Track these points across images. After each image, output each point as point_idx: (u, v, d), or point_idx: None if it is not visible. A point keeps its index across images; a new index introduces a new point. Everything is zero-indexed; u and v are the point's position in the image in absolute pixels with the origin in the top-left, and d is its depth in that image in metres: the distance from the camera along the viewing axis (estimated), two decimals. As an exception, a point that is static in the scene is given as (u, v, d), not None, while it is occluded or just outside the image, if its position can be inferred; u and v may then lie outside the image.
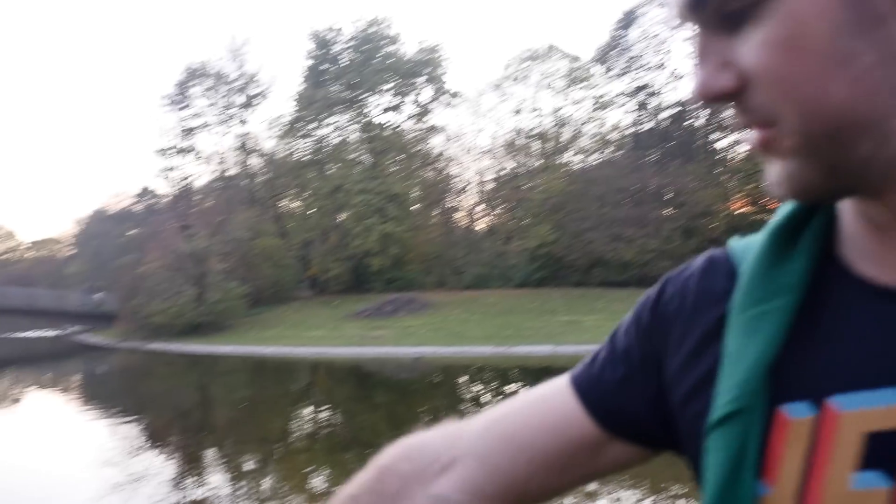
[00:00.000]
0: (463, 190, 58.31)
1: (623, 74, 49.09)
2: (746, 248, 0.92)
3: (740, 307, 0.86)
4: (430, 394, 25.87)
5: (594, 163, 49.85)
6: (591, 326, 34.61)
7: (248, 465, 15.42)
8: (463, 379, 28.95)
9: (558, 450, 1.01)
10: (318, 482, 13.84)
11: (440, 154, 56.73)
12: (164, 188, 63.79)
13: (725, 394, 0.83)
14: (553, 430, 1.01)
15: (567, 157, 52.60)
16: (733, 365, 0.84)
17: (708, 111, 43.56)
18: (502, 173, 54.42)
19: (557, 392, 1.06)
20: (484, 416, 1.11)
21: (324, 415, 22.99)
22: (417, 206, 54.95)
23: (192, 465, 15.56)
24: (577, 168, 50.84)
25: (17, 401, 29.32)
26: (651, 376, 0.98)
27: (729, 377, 0.84)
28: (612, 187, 42.67)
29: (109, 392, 30.59)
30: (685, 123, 46.54)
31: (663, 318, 0.99)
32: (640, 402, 0.98)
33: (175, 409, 24.46)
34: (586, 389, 1.03)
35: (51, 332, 60.08)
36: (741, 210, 43.03)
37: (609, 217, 41.83)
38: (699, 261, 1.00)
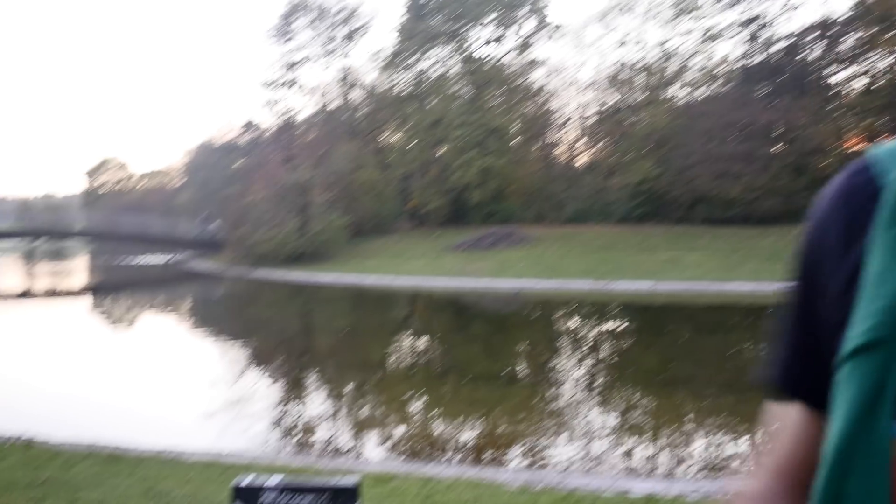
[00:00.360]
0: (564, 124, 57.52)
1: (734, 4, 47.17)
2: (893, 156, 0.81)
3: (887, 223, 0.76)
4: (527, 327, 26.01)
5: (701, 97, 48.35)
6: (693, 264, 34.04)
7: (348, 390, 15.88)
8: (560, 313, 28.97)
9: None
10: (414, 408, 14.17)
11: (541, 88, 55.94)
12: (269, 121, 64.91)
13: (864, 321, 0.73)
14: (806, 444, 0.90)
15: (672, 91, 51.13)
16: (875, 289, 0.73)
17: (823, 44, 41.64)
18: (605, 107, 53.38)
19: (780, 408, 0.96)
20: (762, 473, 1.02)
21: (421, 344, 23.42)
22: (517, 140, 54.51)
23: (294, 388, 16.13)
24: (682, 102, 49.42)
25: (132, 323, 30.80)
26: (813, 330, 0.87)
27: (870, 302, 0.74)
28: (719, 122, 41.39)
29: (216, 316, 31.81)
30: (798, 57, 44.55)
31: (811, 265, 0.87)
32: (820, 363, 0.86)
33: (278, 334, 25.27)
34: (784, 380, 0.94)
35: (161, 259, 62.51)
36: (856, 148, 41.24)
37: (715, 153, 40.67)
38: (836, 186, 0.87)
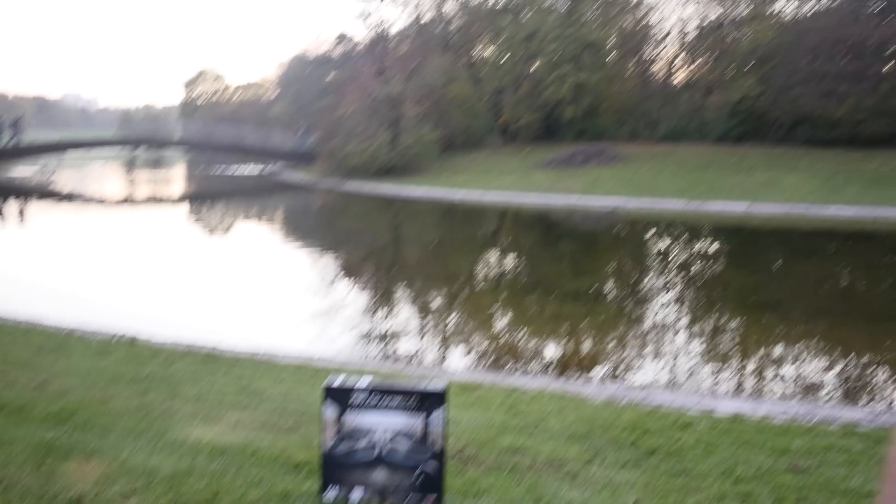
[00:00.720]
0: (662, 40, 55.68)
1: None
2: None
3: None
4: (617, 245, 25.78)
5: (809, 12, 46.06)
6: (791, 186, 32.99)
7: (436, 302, 16.10)
8: (650, 233, 28.59)
9: None
10: (500, 322, 14.31)
11: (640, 1, 54.12)
12: (362, 33, 64.67)
13: None
14: None
15: (779, 5, 48.85)
16: None
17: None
18: (706, 22, 51.39)
19: None
20: None
21: (509, 259, 23.49)
22: (613, 55, 53.13)
23: (383, 299, 16.44)
24: (789, 18, 47.22)
25: (227, 230, 31.69)
26: None
27: None
28: (828, 39, 39.42)
29: (309, 227, 32.44)
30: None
31: None
32: None
33: (368, 245, 25.67)
34: None
35: (255, 170, 63.71)
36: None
37: (821, 71, 38.89)
38: None
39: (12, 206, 36.12)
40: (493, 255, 24.06)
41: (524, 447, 5.98)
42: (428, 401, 4.56)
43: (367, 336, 12.90)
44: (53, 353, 8.75)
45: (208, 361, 8.75)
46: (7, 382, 7.16)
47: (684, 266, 21.49)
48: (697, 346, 12.52)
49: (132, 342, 9.60)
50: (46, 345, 9.25)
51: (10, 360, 8.22)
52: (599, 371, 10.49)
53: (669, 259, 22.78)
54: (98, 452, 5.40)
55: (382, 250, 24.90)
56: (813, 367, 11.18)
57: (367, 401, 4.59)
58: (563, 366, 10.66)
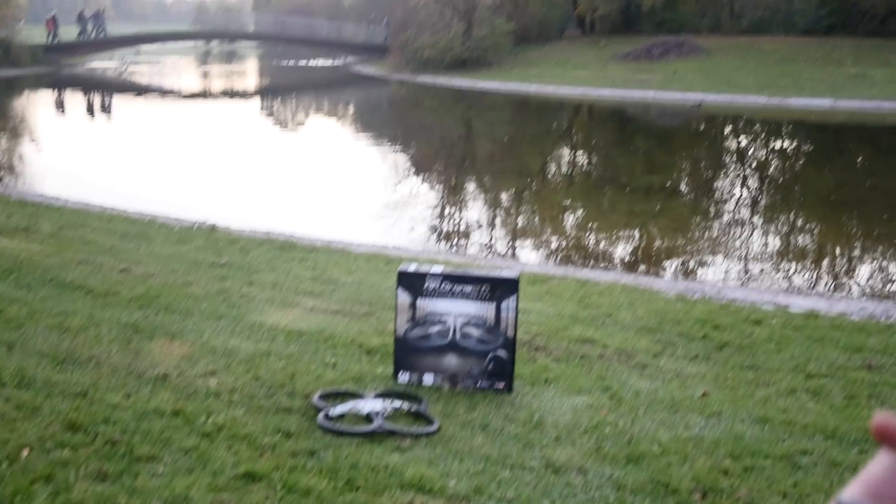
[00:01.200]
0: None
1: None
2: None
3: None
4: (692, 141, 25.20)
5: None
6: (881, 81, 31.51)
7: (507, 196, 16.06)
8: (728, 128, 27.84)
9: None
10: (572, 216, 14.24)
11: None
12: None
13: None
14: None
15: None
16: None
17: None
18: None
19: None
20: None
21: (582, 154, 23.19)
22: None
23: (455, 192, 16.45)
24: None
25: (301, 123, 31.88)
26: None
27: None
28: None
29: (381, 120, 32.40)
30: None
31: None
32: None
33: (441, 139, 25.58)
34: None
35: (328, 62, 63.43)
36: None
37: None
38: None
39: (93, 98, 36.82)
40: (566, 150, 23.77)
41: (594, 338, 6.03)
42: (500, 288, 4.61)
43: (439, 229, 12.99)
44: (136, 240, 9.04)
45: (285, 249, 8.94)
46: (93, 267, 7.44)
47: (763, 163, 20.95)
48: (773, 243, 12.31)
49: (212, 230, 9.83)
50: (129, 232, 9.55)
51: (95, 246, 8.52)
52: (672, 266, 10.41)
53: (747, 155, 22.21)
54: (180, 334, 5.62)
55: (454, 144, 24.80)
56: (893, 266, 10.91)
57: (440, 287, 4.66)
58: (635, 260, 10.60)
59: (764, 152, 22.79)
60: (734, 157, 21.89)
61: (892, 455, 0.61)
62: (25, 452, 3.66)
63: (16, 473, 3.47)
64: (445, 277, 4.65)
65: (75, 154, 19.97)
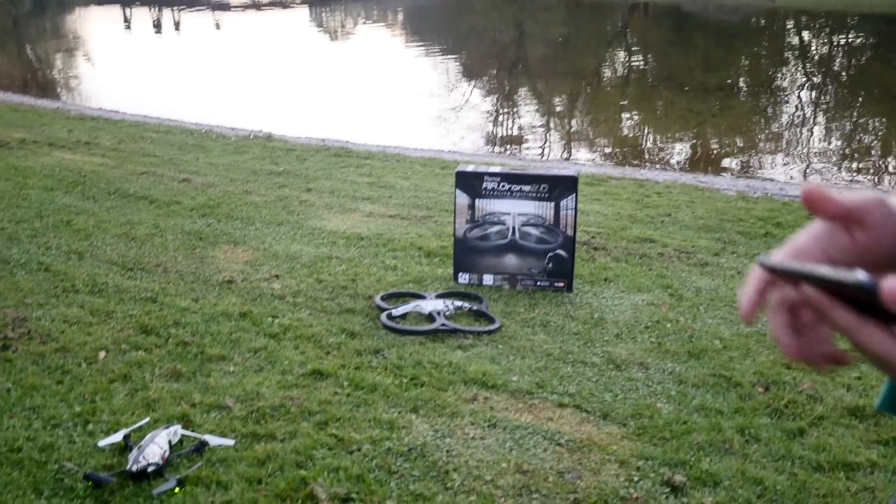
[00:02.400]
0: None
1: None
2: None
3: None
4: (753, 39, 24.38)
5: None
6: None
7: (562, 99, 15.81)
8: (790, 24, 26.85)
9: None
10: (629, 117, 13.98)
11: None
12: None
13: None
14: None
15: None
16: None
17: None
18: None
19: None
20: None
21: (637, 54, 22.63)
22: None
23: (508, 97, 16.24)
24: None
25: (350, 33, 31.54)
26: None
27: None
28: None
29: (431, 25, 31.88)
30: None
31: None
32: None
33: (492, 43, 25.12)
34: None
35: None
36: None
37: None
38: None
39: (144, 12, 36.79)
40: (621, 51, 23.21)
41: (653, 238, 5.98)
42: (559, 187, 4.58)
43: (494, 133, 12.88)
44: (194, 151, 9.13)
45: (340, 157, 8.96)
46: (155, 178, 7.56)
47: (828, 60, 20.24)
48: (837, 139, 11.98)
49: (268, 139, 9.88)
50: (187, 143, 9.64)
51: (155, 158, 8.63)
52: (732, 165, 10.22)
53: (811, 52, 21.46)
54: (243, 240, 5.72)
55: (507, 47, 24.36)
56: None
57: (499, 187, 4.65)
58: (694, 160, 10.43)
59: (829, 49, 21.99)
60: (797, 55, 21.17)
61: (819, 223, 0.65)
62: (102, 354, 3.80)
63: (95, 374, 3.61)
64: (504, 177, 4.62)
65: (130, 68, 20.09)
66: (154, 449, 2.84)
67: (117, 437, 3.03)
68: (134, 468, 2.76)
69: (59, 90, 17.36)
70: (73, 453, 2.97)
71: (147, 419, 3.22)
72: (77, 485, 2.77)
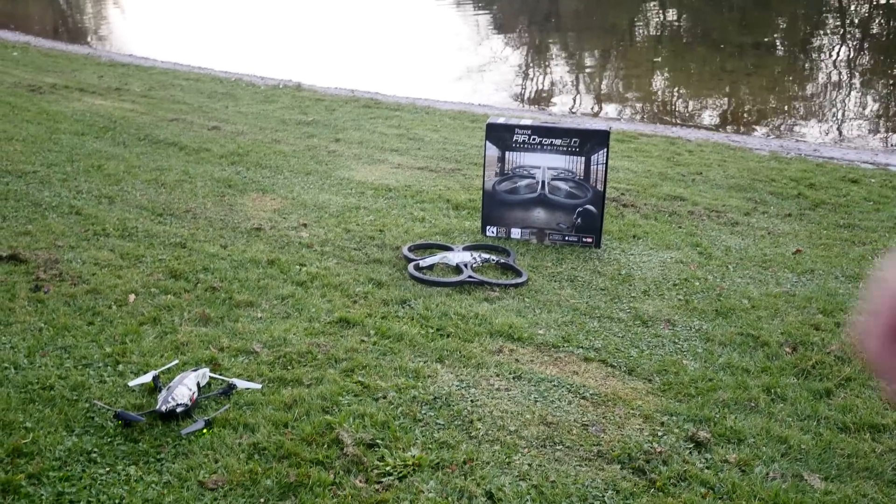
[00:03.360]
0: None
1: None
2: None
3: None
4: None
5: None
6: None
7: (594, 55, 15.60)
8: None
9: None
10: (661, 75, 13.79)
11: None
12: None
13: None
14: None
15: None
16: None
17: None
18: None
19: None
20: None
21: (672, 10, 22.23)
22: None
23: (538, 52, 16.05)
24: None
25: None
26: None
27: None
28: None
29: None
30: None
31: None
32: None
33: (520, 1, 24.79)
34: None
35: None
36: None
37: None
38: None
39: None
40: (656, 6, 22.81)
41: (684, 196, 5.93)
42: (591, 141, 4.53)
43: (525, 88, 12.75)
44: (224, 99, 9.13)
45: (370, 108, 8.92)
46: (185, 125, 7.57)
47: (865, 21, 19.79)
48: (874, 101, 11.75)
49: (297, 89, 9.86)
50: (217, 91, 9.64)
51: (185, 105, 8.64)
52: (765, 124, 10.07)
53: (850, 12, 20.99)
54: (271, 189, 5.73)
55: (539, 2, 24.02)
56: None
57: (529, 140, 4.61)
58: (727, 119, 10.28)
59: (866, 10, 21.49)
60: (836, 14, 20.72)
61: None
62: (132, 297, 3.84)
63: (125, 316, 3.65)
64: (534, 130, 4.58)
65: (161, 16, 20.05)
66: (183, 390, 2.88)
67: (147, 378, 3.07)
68: (163, 408, 2.80)
69: (89, 36, 17.36)
70: (104, 392, 3.02)
71: (176, 361, 3.26)
72: (107, 423, 2.81)
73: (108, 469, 2.59)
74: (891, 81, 12.89)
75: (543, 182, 4.69)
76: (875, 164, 7.32)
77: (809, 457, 2.83)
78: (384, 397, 3.08)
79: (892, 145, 9.12)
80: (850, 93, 12.23)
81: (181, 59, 12.25)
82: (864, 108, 11.20)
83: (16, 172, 5.73)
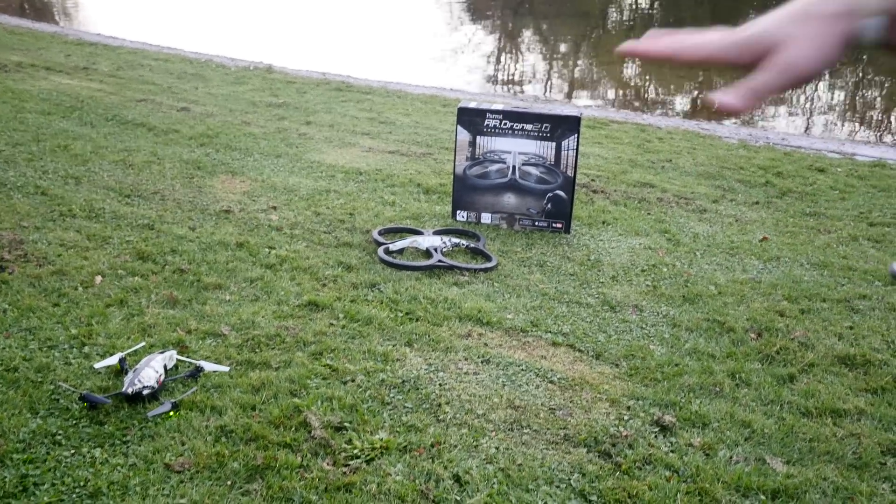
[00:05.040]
0: None
1: None
2: None
3: None
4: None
5: None
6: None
7: (566, 41, 15.63)
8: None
9: None
10: (632, 63, 13.83)
11: None
12: None
13: None
14: None
15: None
16: None
17: None
18: None
19: None
20: None
21: (644, 1, 22.32)
22: None
23: (511, 37, 16.04)
24: None
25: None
26: None
27: None
28: None
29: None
30: None
31: None
32: None
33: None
34: None
35: None
36: None
37: None
38: None
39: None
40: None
41: (653, 182, 5.97)
42: (562, 126, 4.54)
43: (497, 74, 12.74)
44: (193, 80, 9.04)
45: (341, 91, 8.88)
46: (153, 106, 7.49)
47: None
48: (842, 94, 11.88)
49: (268, 70, 9.78)
50: (186, 72, 9.54)
51: (154, 86, 8.55)
52: (735, 114, 10.15)
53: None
54: (241, 171, 5.69)
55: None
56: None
57: (500, 125, 4.61)
58: (697, 107, 10.35)
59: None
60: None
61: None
62: (99, 279, 3.80)
63: (91, 298, 3.62)
64: (506, 115, 4.58)
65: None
66: (149, 373, 2.86)
67: (113, 361, 3.05)
68: (129, 391, 2.78)
69: (56, 14, 17.10)
70: (69, 374, 2.99)
71: (143, 344, 3.23)
72: (73, 405, 2.79)
73: (73, 451, 2.57)
74: (858, 72, 13.04)
75: (514, 167, 4.69)
76: (842, 153, 7.41)
77: (772, 441, 2.87)
78: (352, 380, 3.08)
79: (858, 136, 9.23)
80: (818, 83, 12.35)
81: (150, 39, 12.10)
82: (832, 99, 11.33)
83: (-20, 151, 5.65)
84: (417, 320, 3.62)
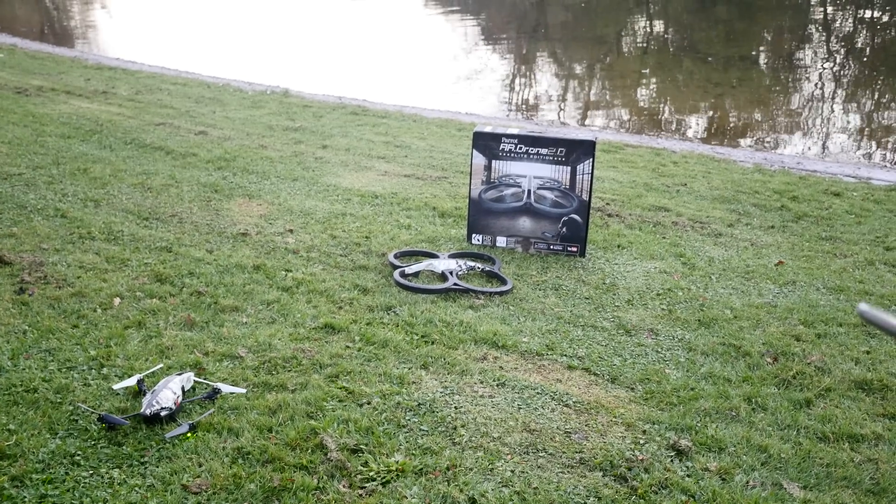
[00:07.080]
0: None
1: None
2: None
3: None
4: (775, 12, 24.06)
5: None
6: None
7: (580, 67, 15.68)
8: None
9: None
10: (647, 87, 13.87)
11: None
12: None
13: None
14: None
15: None
16: None
17: None
18: None
19: None
20: None
21: (659, 22, 22.37)
22: None
23: (526, 61, 16.11)
24: None
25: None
26: None
27: None
28: None
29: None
30: None
31: None
32: None
33: (513, 7, 24.87)
34: None
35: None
36: None
37: None
38: None
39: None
40: (640, 19, 22.95)
41: (668, 206, 5.98)
42: (577, 151, 4.56)
43: (512, 98, 12.80)
44: (211, 104, 9.13)
45: (357, 115, 8.95)
46: (171, 130, 7.57)
47: (852, 35, 19.98)
48: (857, 116, 11.87)
49: (285, 94, 9.87)
50: (204, 96, 9.63)
51: (172, 110, 8.63)
52: (750, 137, 10.15)
53: (835, 27, 21.18)
54: (258, 194, 5.73)
55: (527, 12, 24.13)
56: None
57: (516, 149, 4.64)
58: (712, 131, 10.36)
59: (854, 23, 21.69)
60: (820, 28, 20.90)
61: None
62: (117, 301, 3.83)
63: (110, 320, 3.65)
64: (521, 139, 4.61)
65: (148, 19, 20.01)
66: (167, 394, 2.88)
67: (131, 382, 3.07)
68: (147, 412, 2.80)
69: (76, 39, 17.31)
70: (88, 395, 3.02)
71: (160, 365, 3.26)
72: (91, 426, 2.81)
73: (91, 472, 2.59)
74: (874, 95, 13.02)
75: (529, 191, 4.72)
76: (857, 177, 7.40)
77: (789, 466, 2.86)
78: (368, 403, 3.09)
79: (874, 159, 9.21)
80: (833, 107, 12.34)
81: (168, 64, 12.24)
82: (847, 122, 11.31)
83: (1, 175, 5.71)
84: (433, 343, 3.63)
